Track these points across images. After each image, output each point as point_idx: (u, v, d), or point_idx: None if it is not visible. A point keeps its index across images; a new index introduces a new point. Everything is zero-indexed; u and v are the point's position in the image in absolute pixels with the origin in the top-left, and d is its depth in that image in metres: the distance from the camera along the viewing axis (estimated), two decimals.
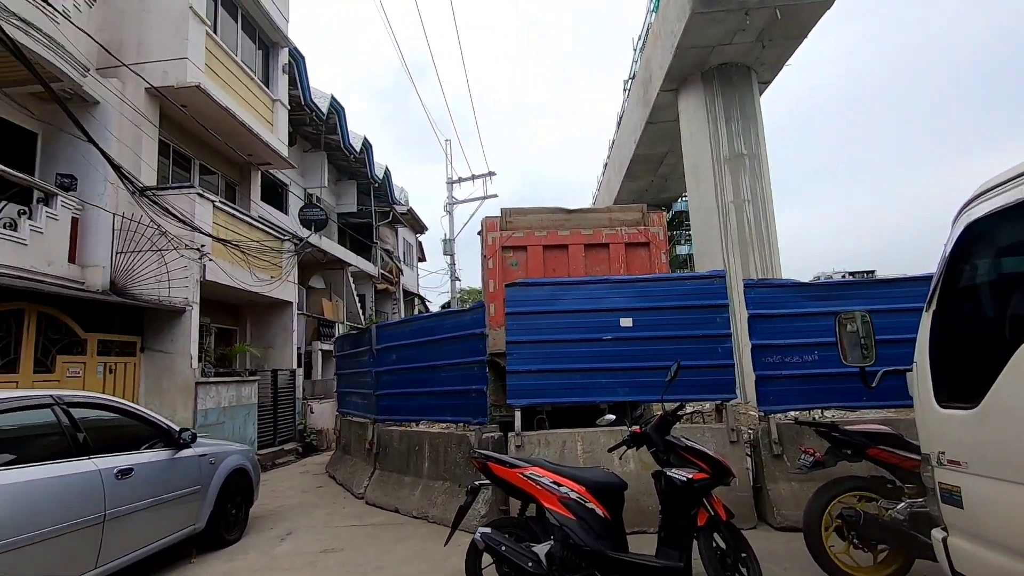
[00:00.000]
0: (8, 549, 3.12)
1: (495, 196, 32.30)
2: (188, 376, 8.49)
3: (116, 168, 7.86)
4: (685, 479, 3.18)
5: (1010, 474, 1.95)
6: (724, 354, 5.34)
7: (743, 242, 13.79)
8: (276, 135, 11.96)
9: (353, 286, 17.96)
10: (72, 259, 8.02)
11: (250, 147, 11.40)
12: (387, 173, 20.02)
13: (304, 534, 5.57)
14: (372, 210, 19.69)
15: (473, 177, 21.39)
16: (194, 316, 8.64)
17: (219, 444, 5.66)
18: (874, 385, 3.19)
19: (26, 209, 7.25)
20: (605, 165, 29.89)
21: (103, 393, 6.88)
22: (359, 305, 18.28)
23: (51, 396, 3.91)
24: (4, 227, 6.90)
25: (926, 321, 2.45)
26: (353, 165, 18.12)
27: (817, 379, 5.16)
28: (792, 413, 5.43)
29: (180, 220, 8.57)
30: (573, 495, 3.27)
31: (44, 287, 7.02)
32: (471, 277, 54.42)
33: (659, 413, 3.60)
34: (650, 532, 4.29)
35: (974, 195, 2.30)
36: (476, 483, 3.61)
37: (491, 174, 21.21)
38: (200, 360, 8.82)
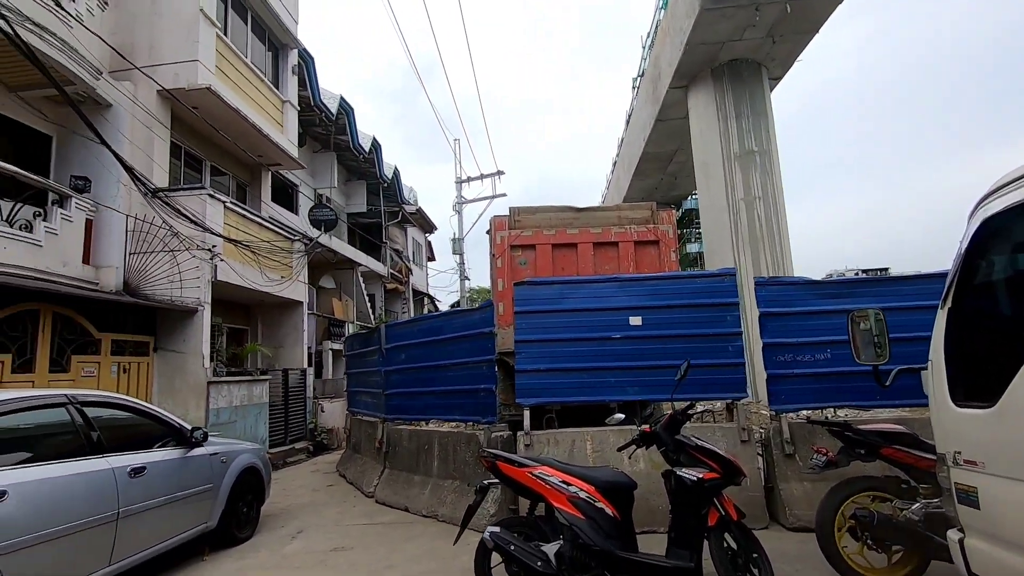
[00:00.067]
0: (24, 546, 3.16)
1: (504, 195, 32.27)
2: (200, 375, 8.57)
3: (129, 170, 7.95)
4: (695, 479, 3.16)
5: None
6: (735, 353, 5.29)
7: (754, 240, 13.68)
8: (286, 136, 12.04)
9: (363, 286, 18.04)
10: (86, 260, 8.12)
11: (260, 148, 11.49)
12: (396, 173, 20.08)
13: (315, 532, 5.60)
14: (381, 210, 19.76)
15: (482, 176, 21.40)
16: (206, 316, 8.72)
17: (231, 443, 5.71)
18: (888, 384, 3.14)
19: (41, 211, 7.35)
20: (614, 163, 29.78)
21: (117, 392, 6.97)
22: (369, 305, 18.36)
23: (65, 395, 3.97)
24: (20, 229, 7.00)
25: (941, 319, 2.41)
26: (362, 165, 18.20)
27: (829, 378, 5.10)
28: (804, 412, 5.38)
29: (192, 221, 8.66)
30: (582, 494, 3.26)
31: (59, 288, 7.12)
32: (480, 276, 54.48)
33: (669, 412, 3.57)
34: (660, 532, 4.26)
35: (990, 190, 2.26)
36: (485, 482, 3.60)
37: (500, 173, 21.20)
38: (212, 360, 8.90)
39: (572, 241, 7.54)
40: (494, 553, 3.32)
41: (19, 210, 7.07)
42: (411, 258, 24.28)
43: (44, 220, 7.31)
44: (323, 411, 12.56)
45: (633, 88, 23.25)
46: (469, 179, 21.43)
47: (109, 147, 7.52)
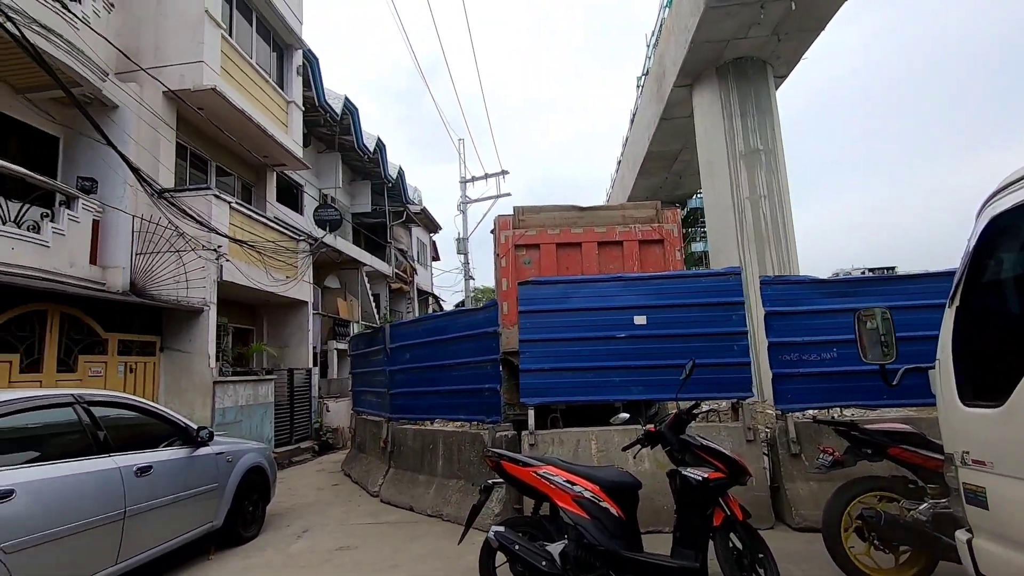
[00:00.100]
0: (32, 544, 3.18)
1: (508, 195, 32.37)
2: (206, 375, 8.61)
3: (135, 171, 8.00)
4: (700, 478, 3.14)
5: None
6: (740, 352, 5.27)
7: (759, 238, 13.63)
8: (291, 136, 12.08)
9: (368, 286, 18.09)
10: (93, 260, 8.17)
11: (265, 148, 11.53)
12: (400, 173, 20.12)
13: (320, 532, 5.62)
14: (386, 210, 19.80)
15: (486, 176, 21.37)
16: (212, 316, 8.76)
17: (236, 442, 5.73)
18: (895, 383, 3.12)
19: (49, 212, 7.40)
20: (619, 162, 29.73)
21: (123, 392, 7.00)
22: (374, 304, 18.41)
23: (72, 395, 3.99)
24: (28, 230, 7.05)
25: (949, 317, 2.39)
26: (367, 165, 18.25)
27: (836, 377, 5.07)
28: (810, 412, 5.35)
29: (197, 221, 8.69)
30: (587, 494, 3.25)
31: (66, 288, 7.17)
32: (485, 276, 54.48)
33: (674, 412, 3.56)
34: (665, 532, 4.25)
35: (998, 188, 2.23)
36: (490, 482, 3.60)
37: (504, 172, 21.18)
38: (218, 359, 8.94)
39: (576, 240, 7.53)
40: (499, 553, 3.32)
41: (27, 211, 7.12)
42: (416, 258, 24.33)
43: (51, 221, 7.36)
44: (328, 411, 12.60)
45: (637, 87, 23.20)
46: (473, 179, 21.42)
47: (115, 148, 7.57)
